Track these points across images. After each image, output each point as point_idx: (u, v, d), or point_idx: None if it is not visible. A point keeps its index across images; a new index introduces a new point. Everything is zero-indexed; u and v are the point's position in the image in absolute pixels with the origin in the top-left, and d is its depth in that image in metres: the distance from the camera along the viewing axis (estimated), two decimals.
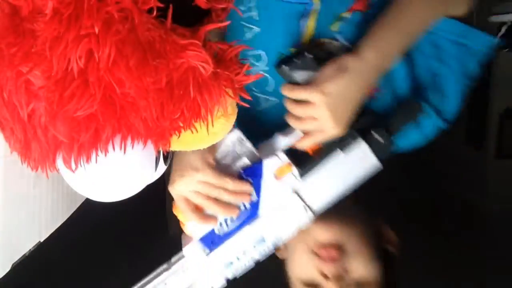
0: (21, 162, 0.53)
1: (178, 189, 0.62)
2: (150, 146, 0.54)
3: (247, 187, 0.61)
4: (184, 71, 0.49)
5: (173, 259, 0.65)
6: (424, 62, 0.63)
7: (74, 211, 0.86)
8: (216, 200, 0.61)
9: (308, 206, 0.61)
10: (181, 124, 0.53)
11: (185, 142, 0.59)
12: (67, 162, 0.50)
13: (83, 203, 0.88)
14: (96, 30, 0.42)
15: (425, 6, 0.58)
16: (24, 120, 0.47)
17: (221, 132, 0.63)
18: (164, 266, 0.64)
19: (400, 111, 0.62)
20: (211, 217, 0.61)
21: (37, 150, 0.50)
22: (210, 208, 0.61)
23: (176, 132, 0.55)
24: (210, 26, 0.53)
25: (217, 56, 0.55)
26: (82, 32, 0.42)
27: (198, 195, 0.61)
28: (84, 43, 0.42)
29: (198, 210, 0.62)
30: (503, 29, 1.88)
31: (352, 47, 0.58)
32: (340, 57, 0.57)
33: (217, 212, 0.61)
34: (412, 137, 0.65)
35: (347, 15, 0.61)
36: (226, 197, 0.61)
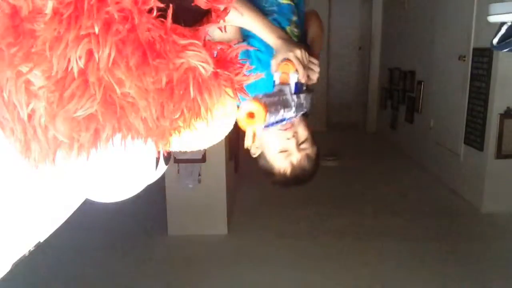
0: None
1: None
2: (151, 146, 0.54)
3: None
4: (184, 71, 0.49)
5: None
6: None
7: (74, 211, 0.86)
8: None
9: None
10: (181, 124, 0.53)
11: (185, 142, 0.59)
12: (67, 162, 0.50)
13: (83, 203, 0.88)
14: (96, 30, 0.42)
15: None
16: (24, 120, 0.47)
17: (221, 132, 0.63)
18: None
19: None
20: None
21: (37, 150, 0.50)
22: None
23: (176, 132, 0.54)
24: (210, 26, 0.53)
25: (217, 56, 0.55)
26: (82, 32, 0.42)
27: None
28: (84, 43, 0.42)
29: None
30: (503, 29, 1.88)
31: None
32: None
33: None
34: None
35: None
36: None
